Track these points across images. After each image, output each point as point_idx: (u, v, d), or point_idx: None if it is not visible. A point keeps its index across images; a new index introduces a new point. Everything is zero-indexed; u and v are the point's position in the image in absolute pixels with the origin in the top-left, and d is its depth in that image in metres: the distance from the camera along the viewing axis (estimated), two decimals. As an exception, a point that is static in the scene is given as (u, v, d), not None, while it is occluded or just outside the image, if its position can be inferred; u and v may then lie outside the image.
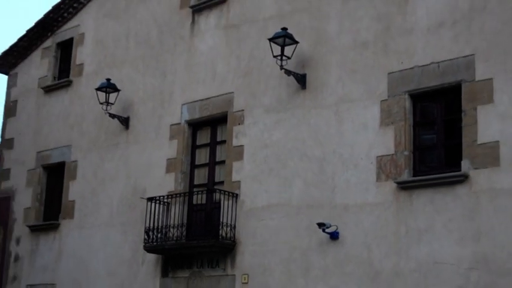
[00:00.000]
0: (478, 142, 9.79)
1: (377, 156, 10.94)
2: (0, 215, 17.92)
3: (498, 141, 9.53)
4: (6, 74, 18.99)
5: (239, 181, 12.97)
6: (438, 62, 10.53)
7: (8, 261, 17.21)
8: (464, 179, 9.78)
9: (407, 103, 10.87)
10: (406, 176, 10.51)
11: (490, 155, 9.64)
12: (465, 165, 9.78)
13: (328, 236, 11.12)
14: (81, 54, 17.28)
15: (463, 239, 9.74)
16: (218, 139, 14.00)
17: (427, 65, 10.69)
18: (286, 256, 11.85)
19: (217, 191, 13.13)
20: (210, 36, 14.64)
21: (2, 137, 18.62)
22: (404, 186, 10.56)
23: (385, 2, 11.58)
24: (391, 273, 10.44)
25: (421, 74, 10.83)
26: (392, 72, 11.09)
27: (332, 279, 11.16)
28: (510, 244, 9.25)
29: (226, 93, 13.77)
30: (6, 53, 18.59)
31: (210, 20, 14.68)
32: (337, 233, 11.11)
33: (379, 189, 10.93)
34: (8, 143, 18.34)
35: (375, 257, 10.69)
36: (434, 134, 11.05)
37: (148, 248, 13.59)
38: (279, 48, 11.76)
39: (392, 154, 10.78)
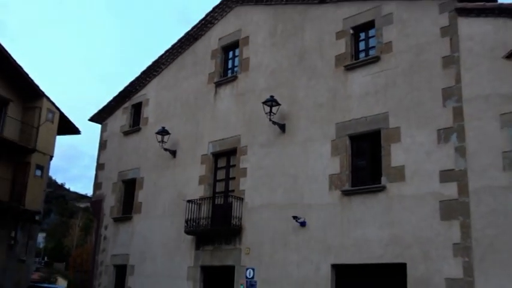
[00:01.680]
0: (391, 165, 12.15)
1: (329, 174, 13.31)
2: (95, 211, 20.66)
3: (403, 165, 11.94)
4: (100, 123, 21.79)
5: (244, 190, 15.32)
6: (366, 117, 12.93)
7: (100, 240, 20.00)
8: (382, 188, 12.14)
9: (347, 142, 13.26)
10: (347, 186, 12.86)
11: (399, 174, 11.93)
12: (384, 180, 12.21)
13: (299, 224, 13.43)
14: (147, 112, 19.96)
15: (382, 226, 11.93)
16: (231, 164, 16.39)
17: (359, 118, 13.08)
18: (272, 236, 14.14)
19: (230, 196, 15.62)
20: (226, 100, 17.07)
21: (97, 162, 21.26)
22: (346, 193, 12.83)
23: (333, 80, 14.06)
24: (338, 246, 12.63)
25: (356, 124, 13.11)
26: (338, 123, 13.49)
27: (301, 251, 13.33)
28: (411, 229, 11.51)
29: (235, 136, 16.15)
30: (100, 111, 21.55)
31: (226, 90, 17.18)
32: (305, 222, 13.38)
33: (330, 195, 13.16)
34: (101, 166, 21.26)
35: (328, 237, 12.90)
36: (364, 161, 13.23)
37: (187, 231, 16.06)
38: (269, 108, 14.39)
39: (339, 173, 13.12)
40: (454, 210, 11.08)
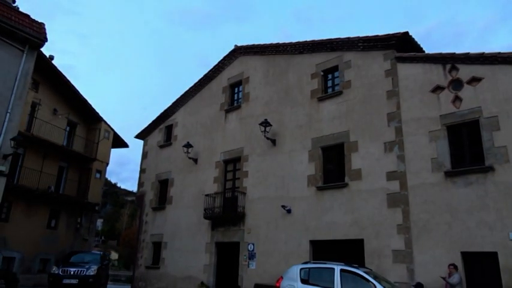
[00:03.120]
0: (352, 168, 12.31)
1: (307, 175, 13.42)
2: (139, 203, 20.38)
3: (360, 168, 12.12)
4: (142, 139, 21.62)
5: (246, 186, 15.40)
6: (334, 133, 13.09)
7: (142, 224, 19.83)
8: (346, 185, 12.29)
9: (320, 152, 13.40)
10: (320, 184, 13.01)
11: (357, 174, 12.11)
12: (346, 179, 12.35)
13: (286, 211, 13.55)
14: (176, 131, 19.84)
15: (346, 212, 12.06)
16: (236, 168, 16.38)
17: (328, 134, 13.25)
18: (267, 220, 14.18)
19: (236, 191, 15.73)
20: (233, 123, 17.12)
21: (141, 167, 21.05)
22: (319, 188, 12.94)
23: (309, 108, 14.03)
24: (314, 227, 12.76)
25: (326, 138, 13.28)
26: (313, 138, 13.64)
27: (288, 231, 13.41)
28: (367, 214, 11.50)
29: (240, 147, 16.22)
30: (142, 131, 21.42)
31: (233, 115, 17.21)
32: (291, 209, 13.47)
33: (308, 190, 13.27)
34: (143, 170, 20.66)
35: (307, 220, 13.01)
36: (332, 165, 13.17)
37: (205, 217, 16.14)
38: (263, 128, 14.64)
39: (314, 174, 13.26)
40: (397, 200, 11.20)
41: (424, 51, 12.64)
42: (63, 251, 20.50)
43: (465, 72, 10.74)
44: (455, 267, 9.46)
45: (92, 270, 14.93)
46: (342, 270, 8.03)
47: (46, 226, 20.19)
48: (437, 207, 10.40)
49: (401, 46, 12.40)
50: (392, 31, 12.60)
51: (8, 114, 14.38)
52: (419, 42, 12.62)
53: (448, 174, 10.42)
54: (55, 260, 20.01)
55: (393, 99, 12.02)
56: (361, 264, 10.46)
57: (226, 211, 15.72)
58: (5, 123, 14.26)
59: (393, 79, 12.19)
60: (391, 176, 11.46)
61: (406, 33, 12.09)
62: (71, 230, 21.63)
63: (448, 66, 11.13)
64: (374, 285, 7.37)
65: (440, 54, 11.35)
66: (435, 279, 9.80)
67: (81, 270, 14.87)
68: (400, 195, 11.13)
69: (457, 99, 10.77)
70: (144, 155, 21.37)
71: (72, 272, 14.72)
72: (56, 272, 14.78)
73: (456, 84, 10.89)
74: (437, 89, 11.21)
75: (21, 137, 14.95)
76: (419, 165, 10.99)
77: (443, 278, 9.43)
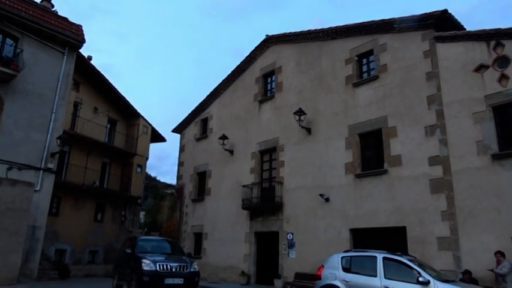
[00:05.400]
0: (391, 155, 12.03)
1: (345, 163, 13.28)
2: (179, 195, 21.01)
3: (400, 154, 11.82)
4: (179, 133, 22.07)
5: (283, 176, 15.35)
6: (371, 119, 12.81)
7: (183, 215, 20.45)
8: (385, 172, 12.02)
9: (357, 138, 13.17)
10: (358, 171, 12.84)
11: (397, 160, 11.82)
12: (386, 165, 12.08)
13: (324, 200, 13.50)
14: (211, 124, 20.11)
15: (386, 199, 11.79)
16: (272, 158, 16.36)
17: (365, 121, 13.00)
18: (305, 209, 14.14)
19: (273, 181, 15.80)
20: (267, 113, 17.13)
21: (179, 160, 21.52)
22: (358, 175, 12.76)
23: (344, 94, 13.83)
24: (353, 216, 12.61)
25: (363, 125, 13.01)
26: (350, 125, 13.42)
27: (326, 219, 13.36)
28: (408, 201, 11.24)
29: (275, 138, 16.20)
30: (179, 125, 21.86)
31: (267, 105, 17.23)
32: (328, 198, 13.41)
33: (346, 177, 13.13)
34: (182, 163, 21.06)
35: (346, 209, 12.88)
36: (370, 152, 12.92)
37: (243, 207, 16.36)
38: (298, 116, 14.56)
39: (352, 161, 13.07)
40: (440, 186, 10.87)
41: (465, 29, 12.03)
42: (110, 243, 21.45)
43: (512, 48, 10.12)
44: (503, 254, 9.01)
45: (194, 265, 10.54)
46: (384, 258, 7.79)
47: (93, 219, 21.08)
48: (484, 192, 9.99)
49: (440, 25, 11.91)
50: (430, 10, 11.94)
51: (53, 115, 15.15)
52: (459, 20, 12.03)
53: (496, 157, 9.97)
54: (103, 251, 20.91)
55: (433, 81, 11.60)
56: (404, 252, 10.15)
57: (264, 201, 15.84)
58: (51, 123, 15.04)
59: (432, 60, 11.75)
60: (433, 161, 11.10)
61: (445, 11, 11.57)
62: (116, 223, 22.47)
63: (493, 43, 10.58)
64: (419, 273, 7.15)
65: (484, 30, 10.81)
66: (483, 266, 9.44)
67: (183, 266, 10.22)
68: (443, 181, 10.76)
69: (503, 77, 10.24)
70: (182, 148, 21.67)
71: (174, 269, 10.01)
72: (152, 268, 9.76)
73: (502, 61, 10.34)
74: (481, 68, 10.70)
75: (66, 135, 15.68)
76: (464, 148, 10.57)
77: (491, 270, 8.98)
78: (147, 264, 9.80)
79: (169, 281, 9.81)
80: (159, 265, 9.88)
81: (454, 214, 10.40)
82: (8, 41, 14.70)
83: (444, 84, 11.35)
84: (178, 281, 9.96)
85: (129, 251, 10.83)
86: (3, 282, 11.66)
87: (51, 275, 15.38)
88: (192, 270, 10.33)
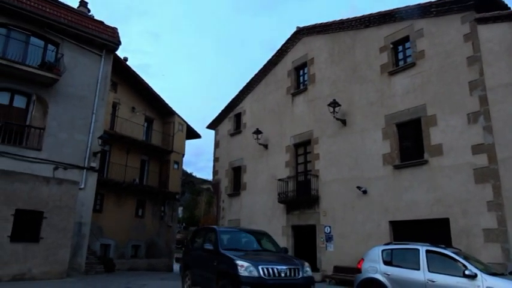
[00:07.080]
0: (431, 144, 11.61)
1: (382, 154, 13.01)
2: (215, 190, 21.09)
3: (441, 144, 11.38)
4: (214, 129, 22.20)
5: (318, 169, 15.20)
6: (409, 108, 12.43)
7: (220, 210, 20.38)
8: (425, 162, 11.58)
9: (395, 129, 12.85)
10: (397, 162, 12.51)
11: (438, 150, 11.39)
12: (426, 155, 11.65)
13: (362, 192, 13.31)
14: (245, 119, 20.27)
15: (428, 190, 11.43)
16: (307, 151, 16.18)
17: (403, 110, 12.63)
18: (343, 202, 13.93)
19: (308, 174, 15.65)
20: (300, 106, 16.99)
21: (214, 156, 21.59)
22: (397, 167, 12.43)
23: (380, 84, 13.54)
24: (393, 208, 12.29)
25: (401, 114, 12.66)
26: (387, 115, 13.12)
27: (365, 212, 13.11)
28: (451, 192, 10.90)
29: (309, 130, 16.06)
30: (213, 121, 21.99)
31: (300, 98, 17.08)
32: (366, 190, 13.24)
33: (384, 169, 12.85)
34: (217, 159, 21.10)
35: (385, 201, 12.58)
36: (409, 142, 12.53)
37: (280, 201, 16.31)
38: (332, 108, 14.38)
39: (390, 152, 12.77)
40: (486, 175, 10.34)
41: (509, 9, 11.32)
42: (151, 238, 22.13)
43: (562, 26, 9.45)
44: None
45: (306, 268, 7.72)
46: (428, 251, 7.49)
47: (134, 215, 21.77)
48: (534, 181, 9.38)
49: (481, 6, 11.29)
50: (469, -9, 11.32)
51: (93, 115, 15.73)
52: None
53: (546, 143, 9.35)
54: (145, 245, 21.46)
55: (475, 66, 11.04)
56: (447, 244, 9.82)
57: (300, 194, 15.74)
58: (92, 124, 15.63)
59: (474, 43, 11.18)
60: (477, 149, 10.60)
61: (487, -10, 10.96)
62: (156, 218, 23.07)
63: (541, 22, 9.88)
64: (465, 266, 6.82)
65: (530, 9, 10.12)
66: (536, 259, 8.91)
67: (294, 269, 7.44)
68: (489, 170, 10.24)
69: (553, 58, 9.55)
70: (217, 144, 21.85)
71: (283, 273, 7.24)
72: (254, 273, 7.00)
73: (551, 41, 9.62)
74: (528, 48, 10.00)
75: (107, 135, 16.24)
76: (511, 135, 9.99)
77: None
78: (245, 269, 7.05)
79: None
80: (263, 269, 7.09)
81: (501, 204, 9.86)
82: (50, 46, 15.36)
83: (487, 68, 10.77)
84: None
85: (209, 247, 8.26)
86: (53, 276, 12.32)
87: (97, 269, 16.04)
88: (305, 275, 7.52)
